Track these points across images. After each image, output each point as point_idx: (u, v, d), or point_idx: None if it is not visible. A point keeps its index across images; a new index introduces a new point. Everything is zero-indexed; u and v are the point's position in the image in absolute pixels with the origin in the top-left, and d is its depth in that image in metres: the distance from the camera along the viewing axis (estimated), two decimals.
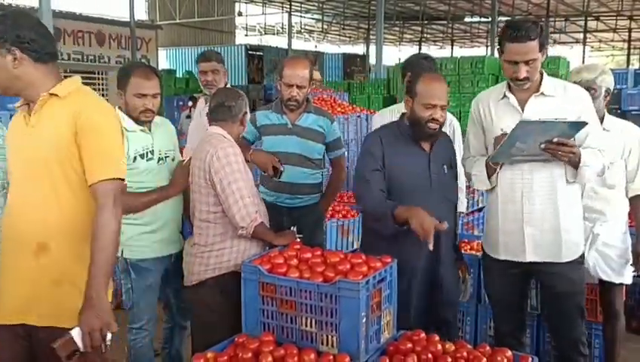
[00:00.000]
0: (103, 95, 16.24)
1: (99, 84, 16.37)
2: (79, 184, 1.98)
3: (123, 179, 2.02)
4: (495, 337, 2.98)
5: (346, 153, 4.12)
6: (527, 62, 2.52)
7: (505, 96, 2.68)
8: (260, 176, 3.46)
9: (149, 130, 2.85)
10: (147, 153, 2.80)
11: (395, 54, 36.98)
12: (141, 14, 20.95)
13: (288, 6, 22.77)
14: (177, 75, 18.55)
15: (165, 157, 2.89)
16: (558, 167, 2.59)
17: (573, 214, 2.68)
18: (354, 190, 3.05)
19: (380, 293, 2.23)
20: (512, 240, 2.69)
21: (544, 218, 2.62)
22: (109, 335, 1.87)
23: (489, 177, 2.68)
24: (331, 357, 2.09)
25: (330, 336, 2.15)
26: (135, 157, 2.76)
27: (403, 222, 2.47)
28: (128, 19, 16.44)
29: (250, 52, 21.46)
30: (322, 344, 2.17)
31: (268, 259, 2.34)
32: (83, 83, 2.12)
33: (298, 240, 2.59)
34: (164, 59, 21.94)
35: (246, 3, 25.13)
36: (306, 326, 2.19)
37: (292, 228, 2.76)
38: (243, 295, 2.31)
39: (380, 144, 2.66)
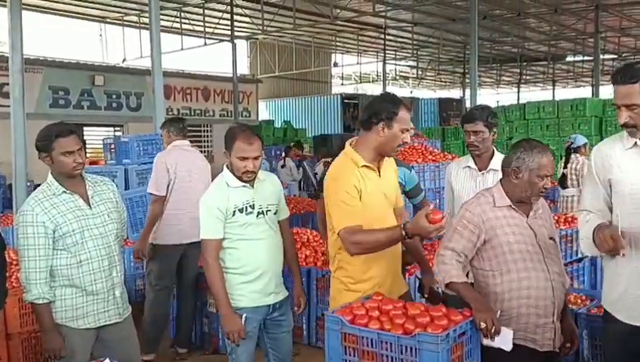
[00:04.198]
0: (208, 145, 17.32)
1: (205, 135, 17.44)
2: None
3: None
4: None
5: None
6: (628, 107, 2.32)
7: (636, 144, 2.38)
8: None
9: (252, 185, 3.05)
10: (246, 207, 3.00)
11: (493, 97, 36.34)
12: (243, 69, 22.19)
13: (382, 55, 23.22)
14: (276, 125, 19.36)
15: (267, 210, 3.07)
16: None
17: None
18: None
19: (461, 347, 2.24)
20: None
21: None
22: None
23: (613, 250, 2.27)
24: None
25: None
26: (234, 211, 2.97)
27: None
28: (232, 75, 17.49)
29: (345, 100, 21.99)
30: None
31: (350, 310, 2.42)
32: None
33: None
34: (264, 110, 22.99)
35: (342, 54, 25.91)
36: None
37: None
38: (326, 345, 2.39)
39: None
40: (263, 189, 3.09)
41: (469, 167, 3.48)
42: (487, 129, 3.39)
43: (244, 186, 3.02)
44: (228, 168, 3.06)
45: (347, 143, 2.84)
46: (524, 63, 28.39)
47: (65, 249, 2.81)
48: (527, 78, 32.51)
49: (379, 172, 2.79)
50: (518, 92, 32.53)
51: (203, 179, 4.56)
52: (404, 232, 2.45)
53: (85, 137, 15.80)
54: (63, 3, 16.30)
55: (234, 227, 2.97)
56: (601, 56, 20.61)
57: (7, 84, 7.89)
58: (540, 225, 2.60)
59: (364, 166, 2.72)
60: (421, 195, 3.85)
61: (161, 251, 4.58)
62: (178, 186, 4.55)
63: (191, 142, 5.38)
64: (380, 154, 2.76)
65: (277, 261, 3.13)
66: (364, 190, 2.68)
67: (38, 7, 16.18)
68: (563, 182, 6.72)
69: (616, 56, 25.02)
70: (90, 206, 2.91)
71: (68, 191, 2.87)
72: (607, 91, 20.33)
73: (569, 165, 6.68)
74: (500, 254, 2.51)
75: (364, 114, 2.77)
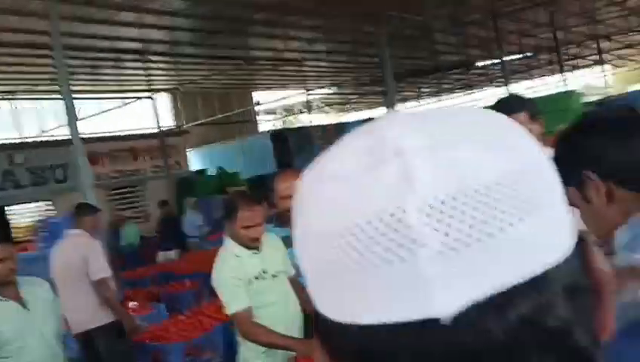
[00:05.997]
0: (142, 205, 16.98)
1: (138, 196, 17.12)
2: None
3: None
4: None
5: None
6: None
7: None
8: None
9: (258, 250, 3.06)
10: (261, 274, 3.01)
11: (416, 109, 37.57)
12: (168, 121, 22.03)
13: (304, 87, 23.68)
14: (209, 174, 19.22)
15: (278, 272, 3.09)
16: None
17: None
18: None
19: None
20: None
21: None
22: None
23: None
24: None
25: None
26: (250, 280, 2.97)
27: None
28: (157, 130, 17.35)
29: (274, 136, 22.13)
30: None
31: None
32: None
33: None
34: (194, 159, 22.81)
35: (263, 90, 26.19)
36: None
37: None
38: None
39: None
40: (269, 253, 3.10)
41: None
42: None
43: (253, 253, 3.03)
44: (232, 238, 3.05)
45: None
46: (441, 73, 29.59)
47: (7, 357, 2.79)
48: (446, 87, 33.88)
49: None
50: (439, 100, 33.88)
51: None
52: None
53: (11, 218, 15.22)
54: None
55: (254, 294, 2.96)
56: (506, 58, 21.84)
57: None
58: None
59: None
60: None
61: None
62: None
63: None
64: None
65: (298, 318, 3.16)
66: None
67: None
68: None
69: (520, 56, 26.54)
70: (26, 308, 2.93)
71: (3, 298, 2.88)
72: (516, 89, 21.31)
73: None
74: None
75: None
